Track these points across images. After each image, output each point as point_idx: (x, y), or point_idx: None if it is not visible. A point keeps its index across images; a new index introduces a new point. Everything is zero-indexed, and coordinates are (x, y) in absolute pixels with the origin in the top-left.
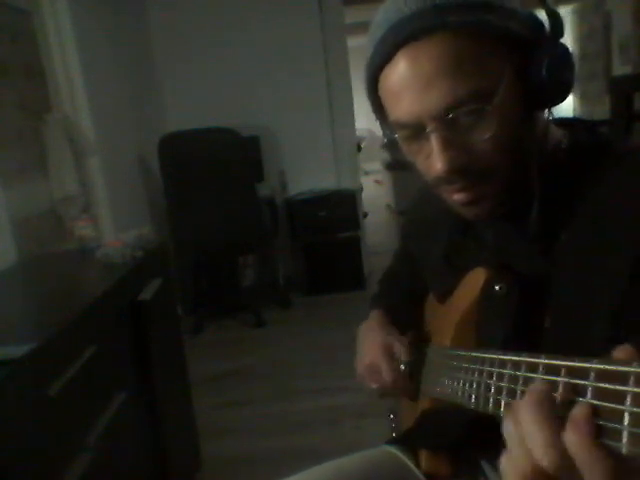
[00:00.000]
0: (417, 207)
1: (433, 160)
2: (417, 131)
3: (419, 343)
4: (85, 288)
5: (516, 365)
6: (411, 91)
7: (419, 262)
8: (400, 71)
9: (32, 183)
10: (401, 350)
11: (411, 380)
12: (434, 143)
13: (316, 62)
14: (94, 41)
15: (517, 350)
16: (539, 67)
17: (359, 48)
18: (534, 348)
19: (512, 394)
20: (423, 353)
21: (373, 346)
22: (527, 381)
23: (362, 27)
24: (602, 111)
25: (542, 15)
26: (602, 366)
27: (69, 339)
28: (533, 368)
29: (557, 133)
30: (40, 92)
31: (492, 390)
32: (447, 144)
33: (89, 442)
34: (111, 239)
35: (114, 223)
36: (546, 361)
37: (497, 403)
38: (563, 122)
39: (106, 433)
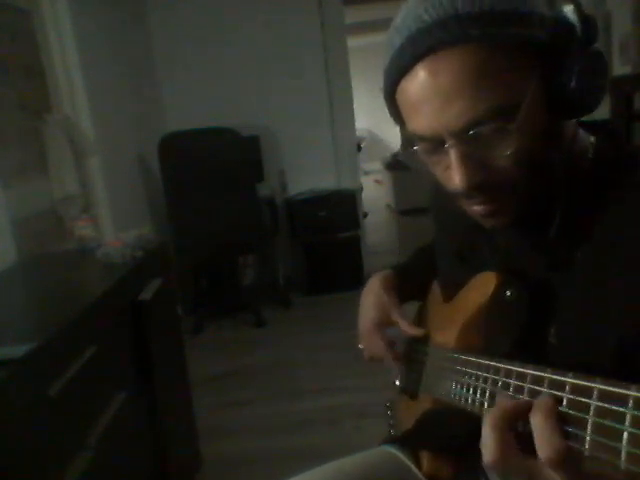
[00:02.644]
0: (440, 193)
1: (452, 175)
2: (436, 144)
3: (420, 342)
4: (85, 288)
5: (521, 376)
6: (430, 106)
7: (435, 248)
8: (419, 84)
9: (32, 183)
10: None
11: (409, 375)
12: (453, 159)
13: (316, 62)
14: (94, 41)
15: (523, 357)
16: (569, 76)
17: (359, 48)
18: (540, 356)
19: None
20: (424, 353)
21: (367, 320)
22: (532, 393)
23: (362, 27)
24: (602, 111)
25: (571, 13)
26: (604, 387)
27: (69, 339)
28: (538, 381)
29: (584, 138)
30: (40, 92)
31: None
32: (466, 160)
33: (89, 442)
34: (111, 239)
35: (114, 223)
36: (551, 376)
37: None
38: (588, 125)
39: (106, 433)
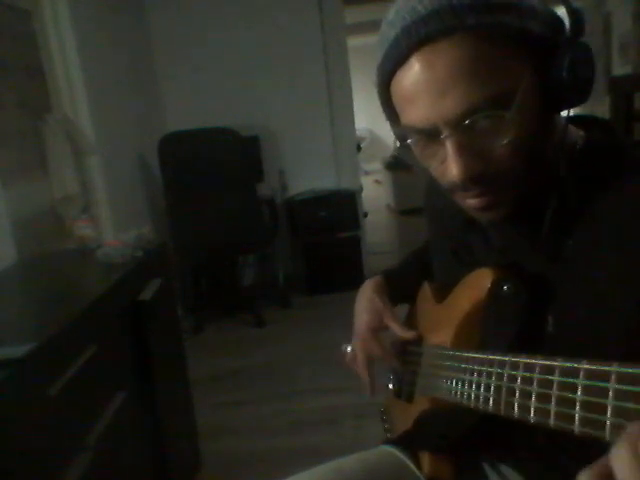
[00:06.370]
0: (433, 191)
1: (448, 166)
2: (432, 136)
3: (413, 344)
4: (85, 288)
5: (529, 367)
6: (426, 96)
7: (430, 247)
8: (414, 75)
9: (32, 183)
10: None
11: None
12: (449, 149)
13: (316, 62)
14: (94, 41)
15: (521, 349)
16: (560, 68)
17: (359, 48)
18: (538, 346)
19: (527, 396)
20: (418, 355)
21: (361, 325)
22: (542, 383)
23: (362, 27)
24: (602, 111)
25: (561, 11)
26: (623, 369)
27: (69, 339)
28: (549, 371)
29: (574, 133)
30: (40, 92)
31: (503, 392)
32: (463, 150)
33: (89, 442)
34: (111, 239)
35: (114, 223)
36: (563, 364)
37: (510, 405)
38: (580, 120)
39: (106, 433)
